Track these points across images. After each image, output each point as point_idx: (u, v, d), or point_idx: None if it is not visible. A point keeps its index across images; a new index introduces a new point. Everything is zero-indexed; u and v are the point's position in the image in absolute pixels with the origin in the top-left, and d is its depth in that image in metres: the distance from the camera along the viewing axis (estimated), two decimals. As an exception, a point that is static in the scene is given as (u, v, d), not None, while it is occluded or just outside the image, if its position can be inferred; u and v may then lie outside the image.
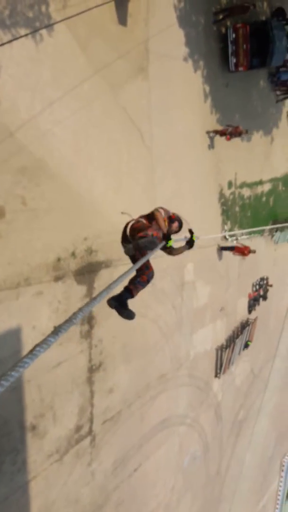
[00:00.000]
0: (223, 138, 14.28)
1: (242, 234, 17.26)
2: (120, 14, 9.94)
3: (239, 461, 22.31)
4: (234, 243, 16.05)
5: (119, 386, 11.55)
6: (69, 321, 2.18)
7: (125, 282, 4.50)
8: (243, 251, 15.47)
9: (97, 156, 9.70)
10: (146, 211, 5.69)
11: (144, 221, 5.69)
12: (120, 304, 5.04)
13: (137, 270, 4.93)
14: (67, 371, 9.65)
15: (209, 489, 19.09)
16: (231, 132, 14.06)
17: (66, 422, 9.86)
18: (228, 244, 16.30)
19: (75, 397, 10.01)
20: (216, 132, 14.23)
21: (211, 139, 14.28)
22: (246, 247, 15.55)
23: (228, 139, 14.25)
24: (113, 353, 11.10)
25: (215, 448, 19.13)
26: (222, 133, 14.15)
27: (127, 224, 5.73)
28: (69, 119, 8.94)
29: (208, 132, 14.16)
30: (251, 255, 16.20)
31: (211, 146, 14.77)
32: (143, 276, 5.17)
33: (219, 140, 15.19)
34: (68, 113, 8.89)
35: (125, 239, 5.71)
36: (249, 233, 18.57)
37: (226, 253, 16.25)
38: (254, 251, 15.73)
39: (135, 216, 5.90)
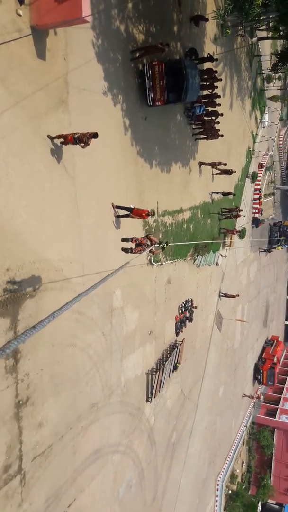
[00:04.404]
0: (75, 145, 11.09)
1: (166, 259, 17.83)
2: (38, 48, 10.18)
3: (174, 484, 22.35)
4: (132, 206, 14.31)
5: (49, 419, 11.20)
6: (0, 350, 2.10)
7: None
8: (141, 213, 14.20)
9: (18, 185, 9.64)
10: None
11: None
12: None
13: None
14: (-8, 408, 9.21)
15: (146, 518, 18.84)
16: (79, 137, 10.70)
17: (-8, 463, 9.33)
18: (124, 206, 14.23)
19: (2, 435, 9.53)
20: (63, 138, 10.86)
21: (57, 146, 10.93)
22: (144, 210, 14.29)
23: (83, 147, 10.99)
24: (41, 386, 10.79)
25: (150, 474, 19.02)
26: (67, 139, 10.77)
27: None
28: (-11, 149, 8.86)
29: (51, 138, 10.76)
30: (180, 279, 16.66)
31: (135, 175, 15.35)
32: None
33: (142, 170, 15.85)
34: (-13, 144, 8.81)
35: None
36: (173, 258, 19.32)
37: (124, 221, 14.56)
38: (153, 213, 14.60)
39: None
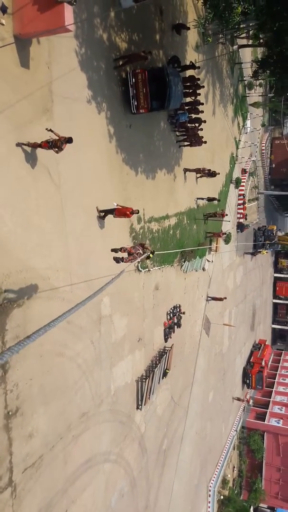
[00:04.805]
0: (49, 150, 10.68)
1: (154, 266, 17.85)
2: (22, 57, 10.18)
3: (167, 492, 22.21)
4: (115, 205, 14.04)
5: (39, 429, 11.06)
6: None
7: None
8: (125, 212, 13.82)
9: (3, 194, 9.59)
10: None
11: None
12: None
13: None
14: (-19, 421, 9.07)
15: (139, 527, 18.65)
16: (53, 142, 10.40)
17: (-18, 477, 9.16)
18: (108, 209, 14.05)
19: (-9, 448, 9.39)
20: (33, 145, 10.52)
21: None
22: (128, 208, 13.97)
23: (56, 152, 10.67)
24: (31, 396, 10.67)
25: (142, 482, 18.88)
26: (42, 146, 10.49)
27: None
28: (-27, 158, 8.80)
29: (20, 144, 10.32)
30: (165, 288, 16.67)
31: (120, 183, 15.38)
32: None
33: (128, 177, 15.89)
34: (-28, 153, 8.76)
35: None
36: (160, 264, 19.36)
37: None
38: (137, 211, 14.24)
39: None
